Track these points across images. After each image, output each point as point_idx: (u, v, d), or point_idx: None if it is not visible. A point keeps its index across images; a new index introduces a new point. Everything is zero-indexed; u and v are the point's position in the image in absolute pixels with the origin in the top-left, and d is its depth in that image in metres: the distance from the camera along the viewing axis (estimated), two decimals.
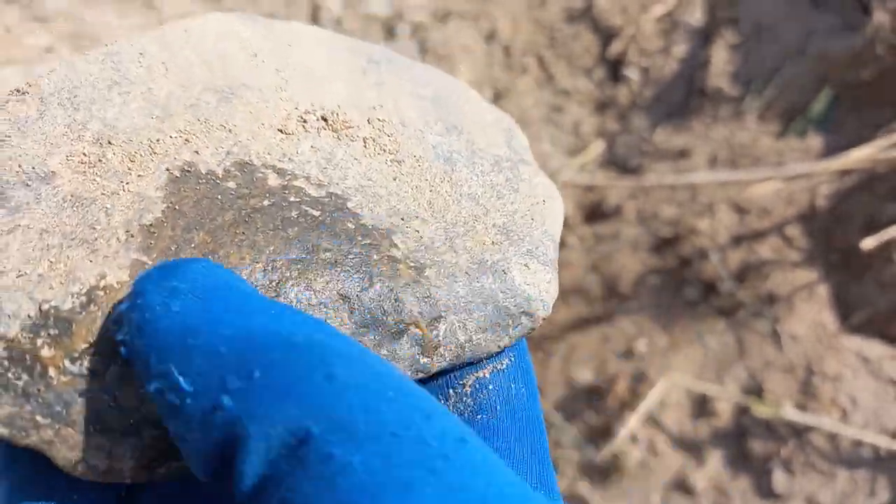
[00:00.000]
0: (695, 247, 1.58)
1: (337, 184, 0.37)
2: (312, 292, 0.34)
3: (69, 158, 0.34)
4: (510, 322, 0.38)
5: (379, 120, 0.40)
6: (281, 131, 0.38)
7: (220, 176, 0.35)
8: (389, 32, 1.96)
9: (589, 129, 1.94)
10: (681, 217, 1.63)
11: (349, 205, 0.37)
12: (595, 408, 1.51)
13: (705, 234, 1.58)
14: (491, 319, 0.37)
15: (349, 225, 0.36)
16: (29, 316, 0.30)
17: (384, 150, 0.40)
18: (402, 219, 0.37)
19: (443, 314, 0.36)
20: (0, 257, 0.31)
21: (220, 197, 0.35)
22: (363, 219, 0.36)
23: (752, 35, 1.87)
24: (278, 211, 0.35)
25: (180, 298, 0.26)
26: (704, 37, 1.96)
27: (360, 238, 0.36)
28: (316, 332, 0.26)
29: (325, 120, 0.39)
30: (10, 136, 0.34)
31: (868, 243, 1.33)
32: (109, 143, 0.35)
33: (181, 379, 0.25)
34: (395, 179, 0.39)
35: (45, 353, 0.29)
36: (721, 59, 1.86)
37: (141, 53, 0.39)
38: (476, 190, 0.40)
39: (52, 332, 0.30)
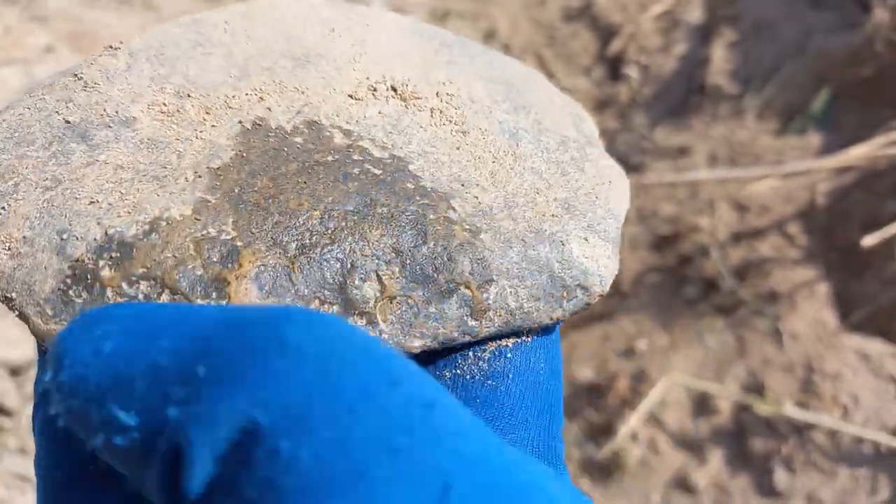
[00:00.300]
0: (695, 244, 1.58)
1: (401, 147, 0.38)
2: (366, 242, 0.34)
3: (150, 107, 0.36)
4: (564, 294, 0.38)
5: (448, 94, 0.41)
6: (351, 96, 0.39)
7: (289, 131, 0.37)
8: None
9: None
10: (681, 215, 1.63)
11: (410, 167, 0.37)
12: (596, 406, 1.51)
13: (705, 232, 1.58)
14: (545, 289, 0.37)
15: (409, 185, 0.36)
16: (95, 239, 0.31)
17: (450, 121, 0.40)
18: (462, 185, 0.38)
19: (495, 278, 0.36)
20: (76, 186, 0.33)
21: (286, 149, 0.36)
22: (423, 181, 0.37)
23: (752, 33, 1.87)
24: (341, 166, 0.36)
25: (112, 339, 0.23)
26: (704, 35, 1.96)
27: (417, 198, 0.36)
28: (271, 309, 0.22)
29: (395, 89, 0.40)
30: (98, 84, 0.37)
31: (868, 241, 1.33)
32: (189, 95, 0.37)
33: (123, 415, 0.21)
34: (458, 148, 0.39)
35: (106, 273, 0.31)
36: (720, 57, 1.87)
37: (226, 22, 0.41)
38: (540, 165, 0.40)
39: (114, 255, 0.31)
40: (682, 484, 1.39)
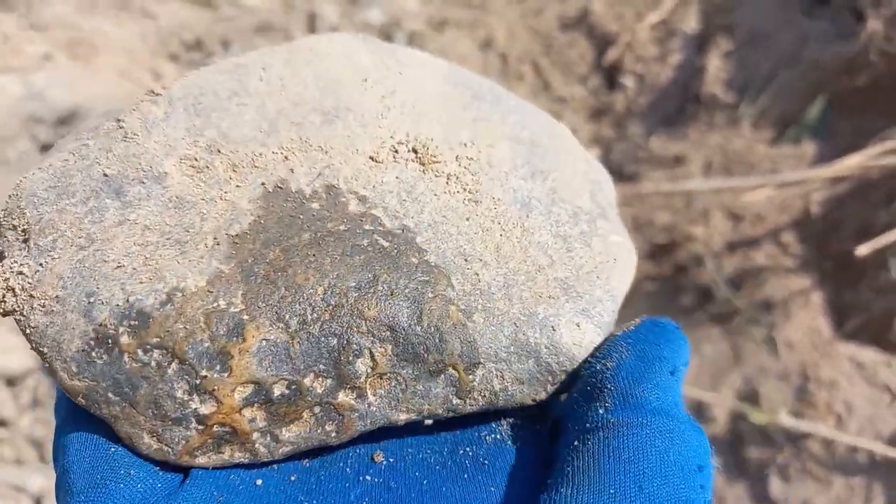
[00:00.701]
0: (690, 254, 1.58)
1: (412, 217, 0.39)
2: (363, 320, 0.36)
3: (182, 161, 0.38)
4: (549, 379, 0.38)
5: (467, 158, 0.42)
6: (372, 158, 0.40)
7: (307, 196, 0.38)
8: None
9: (585, 137, 1.95)
10: (676, 224, 1.64)
11: (418, 240, 0.38)
12: None
13: (700, 241, 1.59)
14: (530, 373, 0.38)
15: (413, 259, 0.38)
16: (118, 305, 0.34)
17: (464, 189, 0.41)
18: (466, 259, 0.38)
19: (482, 361, 0.37)
20: (106, 247, 0.36)
21: (301, 217, 0.38)
22: (428, 255, 0.38)
23: (747, 42, 1.88)
24: (351, 237, 0.37)
25: None
26: (699, 44, 1.96)
27: (419, 275, 0.37)
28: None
29: (416, 152, 0.41)
30: (137, 134, 0.39)
31: (862, 250, 1.34)
32: (219, 151, 0.39)
33: None
34: (467, 219, 0.40)
35: (124, 340, 0.34)
36: (716, 66, 1.87)
37: (264, 68, 0.42)
38: (547, 239, 0.41)
39: (132, 322, 0.34)
40: None
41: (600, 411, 0.35)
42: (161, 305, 0.34)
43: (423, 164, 0.41)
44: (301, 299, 0.35)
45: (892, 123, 1.53)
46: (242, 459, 0.37)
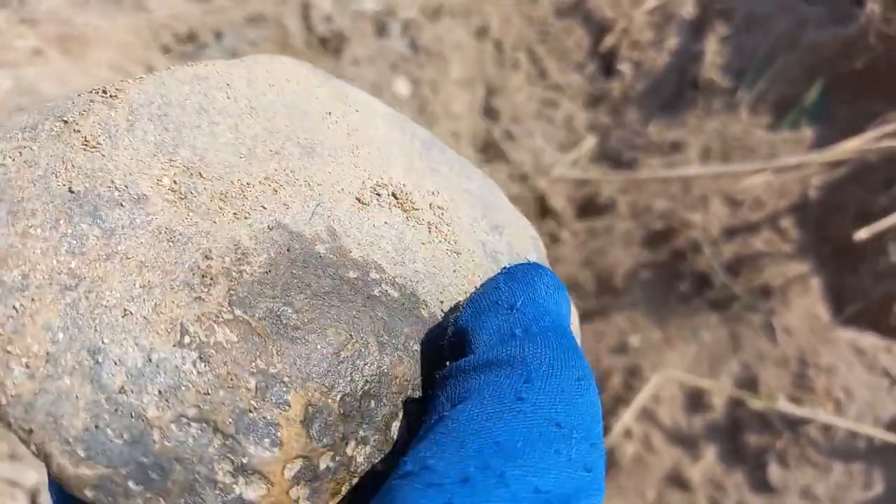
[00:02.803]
0: (688, 240, 1.57)
1: (408, 265, 0.37)
2: (394, 379, 0.33)
3: (159, 183, 0.33)
4: None
5: (438, 207, 0.41)
6: (358, 199, 0.38)
7: (309, 237, 0.35)
8: (380, 29, 1.96)
9: (581, 124, 1.93)
10: (674, 210, 1.63)
11: (419, 290, 0.37)
12: None
13: (698, 227, 1.58)
14: None
15: (423, 313, 0.36)
16: (136, 365, 0.28)
17: (445, 239, 0.39)
18: None
19: None
20: (101, 288, 0.29)
21: (313, 261, 0.34)
22: (432, 308, 0.37)
23: (745, 27, 1.86)
24: (364, 286, 0.35)
25: None
26: (696, 29, 1.95)
27: (430, 326, 0.36)
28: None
29: (396, 197, 0.39)
30: (101, 144, 0.33)
31: (861, 234, 1.33)
32: (200, 175, 0.34)
33: None
34: (454, 271, 0.39)
35: (153, 412, 0.27)
36: (713, 51, 1.86)
37: (228, 84, 0.38)
38: None
39: (160, 389, 0.28)
40: (677, 480, 1.39)
41: (443, 369, 0.33)
42: (194, 366, 0.28)
43: (405, 211, 0.39)
44: (339, 357, 0.32)
45: (891, 107, 1.52)
46: None
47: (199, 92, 0.37)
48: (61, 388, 0.27)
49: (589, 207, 1.75)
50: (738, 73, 1.80)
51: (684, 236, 1.58)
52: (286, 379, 0.30)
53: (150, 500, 0.27)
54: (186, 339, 0.29)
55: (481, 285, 0.37)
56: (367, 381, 0.32)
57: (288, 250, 0.34)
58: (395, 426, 0.33)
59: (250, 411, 0.29)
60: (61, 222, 0.30)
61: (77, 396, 0.27)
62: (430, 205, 0.40)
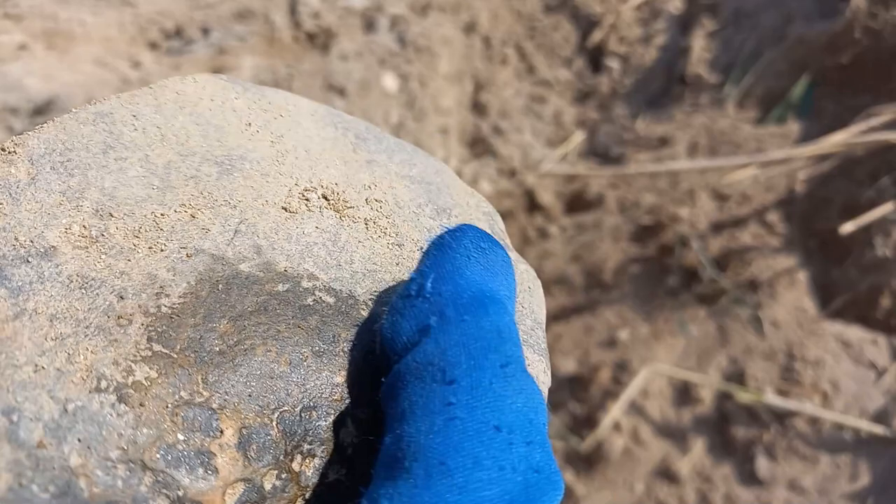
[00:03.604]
0: (676, 234, 1.58)
1: (344, 267, 0.36)
2: (335, 387, 0.32)
3: (68, 231, 0.32)
4: None
5: (376, 200, 0.40)
6: (285, 209, 0.37)
7: (232, 258, 0.34)
8: (368, 25, 1.95)
9: (569, 119, 1.94)
10: (661, 205, 1.63)
11: (359, 291, 0.36)
12: (578, 398, 1.51)
13: (686, 222, 1.58)
14: None
15: (363, 312, 0.35)
16: (53, 418, 0.27)
17: (384, 233, 0.39)
18: None
19: None
20: (11, 348, 0.28)
21: (236, 281, 0.33)
22: (374, 307, 0.36)
23: (732, 22, 1.87)
24: (295, 298, 0.34)
25: None
26: (684, 25, 1.95)
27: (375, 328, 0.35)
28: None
29: (326, 199, 0.38)
30: (1, 203, 0.32)
31: (847, 228, 1.34)
32: (111, 215, 0.33)
33: None
34: (397, 264, 0.38)
35: (75, 461, 0.27)
36: (700, 46, 1.86)
37: (134, 116, 0.37)
38: None
39: (80, 437, 0.27)
40: (665, 473, 1.39)
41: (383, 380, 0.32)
42: (113, 408, 0.28)
43: (338, 211, 0.38)
44: (270, 375, 0.31)
45: (877, 100, 1.52)
46: None
47: (102, 130, 0.36)
48: None
49: (577, 202, 1.75)
50: (725, 68, 1.81)
51: (672, 231, 1.59)
52: (215, 406, 0.30)
53: None
54: (103, 384, 0.28)
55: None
56: (305, 394, 0.32)
57: (210, 276, 0.33)
58: (343, 433, 0.32)
59: (178, 444, 0.29)
60: None
61: None
62: (367, 200, 0.39)
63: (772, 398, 1.34)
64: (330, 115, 0.44)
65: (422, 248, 0.39)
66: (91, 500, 0.27)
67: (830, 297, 1.43)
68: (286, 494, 0.31)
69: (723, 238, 1.55)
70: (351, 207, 0.39)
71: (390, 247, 0.38)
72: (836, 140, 1.45)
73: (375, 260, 0.37)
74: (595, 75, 1.99)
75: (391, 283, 0.37)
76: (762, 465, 1.33)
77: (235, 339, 0.32)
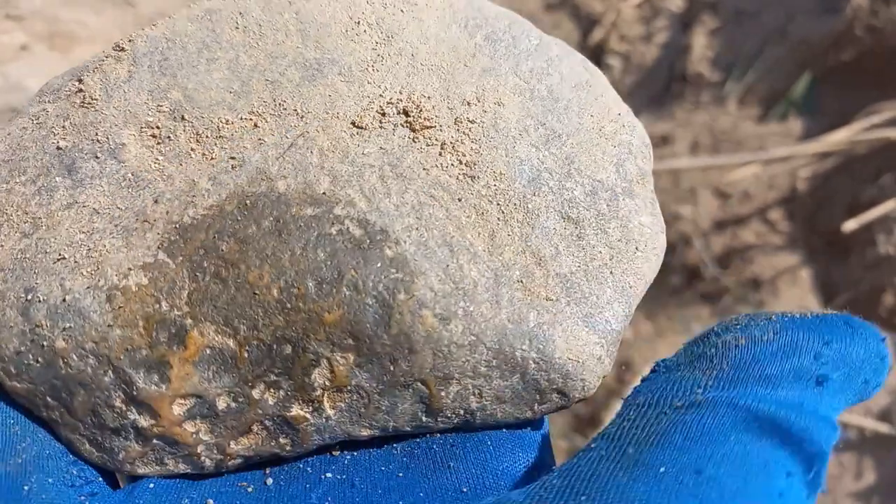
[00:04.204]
0: (678, 233, 1.58)
1: (393, 197, 0.33)
2: (322, 326, 0.31)
3: (143, 131, 0.35)
4: (537, 398, 0.33)
5: (469, 121, 0.35)
6: (354, 124, 0.35)
7: (274, 174, 0.33)
8: None
9: None
10: (663, 203, 1.63)
11: (397, 226, 0.33)
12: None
13: (688, 220, 1.58)
14: (514, 391, 0.33)
15: (387, 252, 0.32)
16: (55, 304, 0.32)
17: (461, 161, 0.34)
18: (452, 250, 0.33)
19: (457, 376, 0.32)
20: (50, 235, 0.33)
21: (266, 199, 0.33)
22: (406, 245, 0.32)
23: (733, 19, 1.87)
24: (318, 224, 0.32)
25: None
26: (685, 22, 1.95)
27: (393, 271, 0.32)
28: None
29: (406, 114, 0.35)
30: (96, 100, 0.35)
31: (850, 226, 1.33)
32: (183, 118, 0.35)
33: None
34: (460, 199, 0.34)
35: (60, 344, 0.31)
36: (701, 44, 1.86)
37: (241, 13, 0.37)
38: (553, 224, 0.34)
39: (68, 325, 0.31)
40: None
41: (697, 388, 0.29)
42: (99, 306, 0.31)
43: (414, 131, 0.35)
44: (252, 301, 0.31)
45: (879, 97, 1.52)
46: (188, 470, 0.34)
47: (205, 28, 0.37)
48: (4, 318, 0.32)
49: None
50: (726, 66, 1.80)
51: (674, 229, 1.58)
52: (189, 322, 0.31)
53: (64, 414, 0.32)
54: (101, 282, 0.32)
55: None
56: (285, 324, 0.31)
57: (243, 190, 0.33)
58: (317, 373, 0.32)
59: (143, 349, 0.31)
60: (41, 177, 0.34)
61: (12, 325, 0.32)
62: (457, 119, 0.35)
63: None
64: (467, 8, 0.39)
65: (499, 185, 0.34)
66: (66, 378, 0.32)
67: (833, 295, 1.43)
68: (242, 416, 0.32)
69: (725, 236, 1.54)
70: (431, 127, 0.35)
71: (460, 178, 0.34)
72: (839, 137, 1.45)
73: (434, 191, 0.34)
74: None
75: (441, 220, 0.33)
76: None
77: (233, 260, 0.32)
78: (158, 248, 0.32)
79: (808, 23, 1.72)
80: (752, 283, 1.47)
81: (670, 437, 0.27)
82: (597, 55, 2.02)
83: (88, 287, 0.32)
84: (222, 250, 0.32)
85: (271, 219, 0.32)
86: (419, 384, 0.32)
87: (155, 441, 0.33)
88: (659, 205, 0.36)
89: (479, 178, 0.34)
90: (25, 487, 0.30)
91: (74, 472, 0.33)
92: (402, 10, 0.38)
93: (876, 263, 1.40)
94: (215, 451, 0.33)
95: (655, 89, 1.89)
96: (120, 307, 0.31)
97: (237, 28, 0.37)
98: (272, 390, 0.32)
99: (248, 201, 0.33)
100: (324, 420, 0.33)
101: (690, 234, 1.56)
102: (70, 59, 1.61)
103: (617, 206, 0.35)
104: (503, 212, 0.34)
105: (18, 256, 0.32)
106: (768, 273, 1.47)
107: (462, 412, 0.33)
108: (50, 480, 0.31)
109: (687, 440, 0.26)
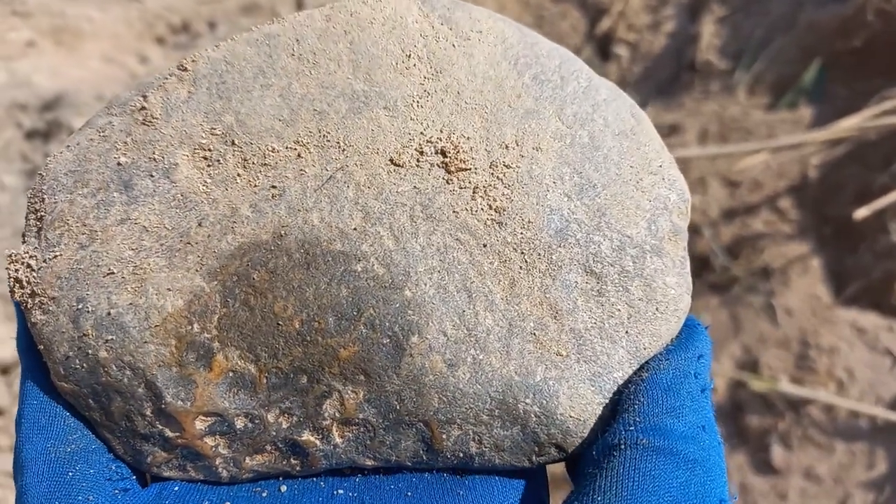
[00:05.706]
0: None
1: (419, 237, 0.34)
2: (337, 361, 0.34)
3: (195, 152, 0.36)
4: (535, 450, 0.34)
5: (504, 165, 0.35)
6: (392, 161, 0.36)
7: (310, 206, 0.35)
8: None
9: None
10: None
11: (420, 267, 0.34)
12: None
13: (697, 209, 1.57)
14: (513, 441, 0.34)
15: (407, 293, 0.34)
16: (101, 316, 0.34)
17: (490, 206, 0.35)
18: (470, 296, 0.34)
19: (458, 421, 0.34)
20: (103, 249, 0.35)
21: (297, 230, 0.35)
22: (426, 288, 0.34)
23: (741, 7, 1.85)
24: (345, 260, 0.34)
25: None
26: (693, 11, 1.94)
27: (409, 313, 0.33)
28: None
29: (444, 154, 0.35)
30: (157, 118, 0.37)
31: (861, 213, 1.32)
32: (233, 142, 0.36)
33: None
34: (485, 245, 0.34)
35: (102, 354, 0.34)
36: (710, 32, 1.85)
37: (297, 40, 0.38)
38: (575, 278, 0.34)
39: (110, 337, 0.34)
40: None
41: (630, 427, 0.32)
42: (138, 323, 0.34)
43: (449, 172, 0.35)
44: (276, 331, 0.34)
45: (889, 83, 1.51)
46: (207, 478, 0.36)
47: (263, 53, 0.38)
48: (57, 324, 0.34)
49: None
50: (735, 55, 1.79)
51: None
52: (216, 345, 0.34)
53: (102, 416, 0.35)
54: (142, 300, 0.34)
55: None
56: (304, 356, 0.34)
57: (278, 220, 0.35)
58: (327, 405, 0.34)
59: (173, 367, 0.34)
60: (101, 191, 0.36)
61: (63, 331, 0.34)
62: (493, 164, 0.35)
63: (786, 386, 1.33)
64: (519, 45, 0.38)
65: (526, 234, 0.34)
66: (106, 384, 0.34)
67: (844, 284, 1.42)
68: (256, 437, 0.35)
69: (735, 225, 1.53)
70: (466, 169, 0.35)
71: (488, 223, 0.35)
72: (849, 125, 1.43)
73: (460, 235, 0.35)
74: (604, 63, 1.98)
75: (463, 266, 0.34)
76: (777, 453, 1.32)
77: (263, 289, 0.34)
78: (196, 271, 0.35)
79: (818, 9, 1.71)
80: (762, 272, 1.46)
81: (627, 487, 0.31)
82: (604, 45, 2.01)
83: (131, 304, 0.34)
84: (253, 279, 0.34)
85: (301, 251, 0.34)
86: (422, 424, 0.34)
87: (178, 450, 0.35)
88: (689, 263, 0.37)
89: (506, 224, 0.35)
90: (69, 474, 0.34)
91: (112, 468, 0.36)
92: (453, 45, 0.38)
93: (887, 251, 1.38)
94: (232, 465, 0.36)
95: (664, 78, 1.88)
96: (156, 326, 0.34)
97: (293, 55, 0.38)
98: (286, 416, 0.35)
99: (282, 231, 0.35)
100: (332, 447, 0.35)
101: (700, 223, 1.55)
102: (76, 55, 1.61)
103: (643, 265, 0.35)
104: (526, 261, 0.34)
105: (74, 267, 0.35)
106: (779, 262, 1.46)
107: (461, 455, 0.34)
108: (91, 472, 0.35)
109: (642, 490, 0.31)
